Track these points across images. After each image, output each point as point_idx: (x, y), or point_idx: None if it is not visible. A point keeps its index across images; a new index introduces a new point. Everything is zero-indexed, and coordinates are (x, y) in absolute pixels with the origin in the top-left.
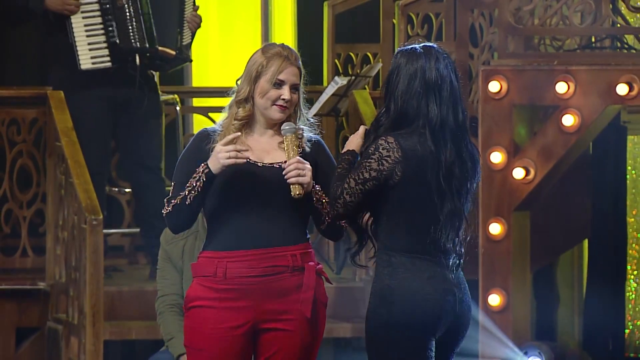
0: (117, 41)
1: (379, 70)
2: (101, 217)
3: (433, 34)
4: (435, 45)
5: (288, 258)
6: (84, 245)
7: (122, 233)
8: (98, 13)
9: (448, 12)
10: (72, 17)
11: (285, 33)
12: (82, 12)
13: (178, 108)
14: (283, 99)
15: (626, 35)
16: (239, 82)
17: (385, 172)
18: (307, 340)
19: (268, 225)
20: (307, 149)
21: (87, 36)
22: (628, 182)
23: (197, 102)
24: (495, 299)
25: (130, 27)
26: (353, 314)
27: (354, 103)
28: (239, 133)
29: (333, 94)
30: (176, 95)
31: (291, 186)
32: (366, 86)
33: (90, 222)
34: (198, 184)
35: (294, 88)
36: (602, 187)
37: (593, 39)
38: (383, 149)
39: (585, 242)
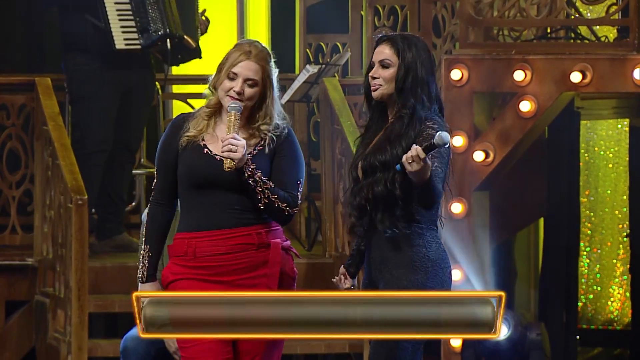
0: (148, 27)
1: (347, 59)
2: (86, 197)
3: (399, 25)
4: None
5: (253, 236)
6: (70, 223)
7: None
8: (127, 0)
9: (412, 4)
10: (106, 2)
11: (260, 24)
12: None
13: (159, 94)
14: (234, 91)
15: (579, 27)
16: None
17: None
18: None
19: (232, 208)
20: (271, 146)
21: (120, 20)
22: (581, 164)
23: (176, 88)
24: (456, 274)
25: (158, 15)
26: (323, 288)
27: (325, 90)
28: None
29: (305, 82)
30: (157, 82)
31: (224, 160)
32: (336, 74)
33: (76, 202)
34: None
35: (250, 83)
36: (557, 169)
37: (548, 30)
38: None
39: (541, 220)
